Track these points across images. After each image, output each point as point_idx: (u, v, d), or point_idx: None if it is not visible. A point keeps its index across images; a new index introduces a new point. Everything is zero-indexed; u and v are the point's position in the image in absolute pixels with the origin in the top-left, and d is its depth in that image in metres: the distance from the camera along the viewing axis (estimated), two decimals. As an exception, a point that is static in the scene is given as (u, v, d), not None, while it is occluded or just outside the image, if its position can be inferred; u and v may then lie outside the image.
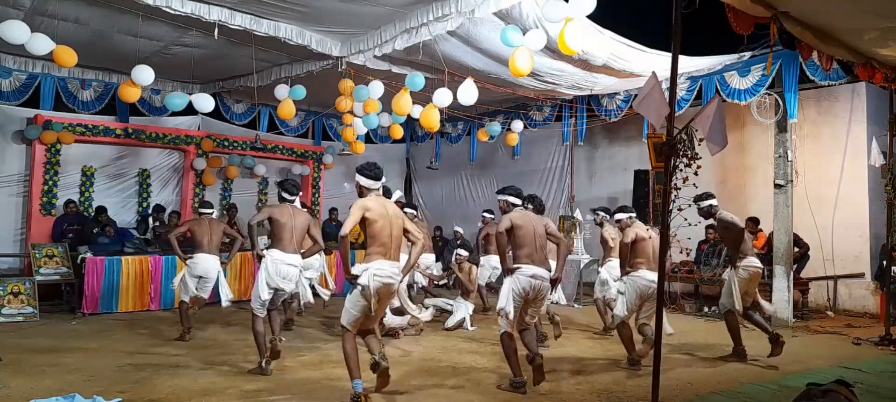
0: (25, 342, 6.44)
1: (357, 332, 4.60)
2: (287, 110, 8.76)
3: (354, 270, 4.46)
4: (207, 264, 6.95)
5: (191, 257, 6.95)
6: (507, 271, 5.08)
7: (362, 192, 4.66)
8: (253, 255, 5.80)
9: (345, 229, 4.43)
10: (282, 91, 8.73)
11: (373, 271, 4.42)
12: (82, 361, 5.69)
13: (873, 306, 9.02)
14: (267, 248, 5.68)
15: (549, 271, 5.19)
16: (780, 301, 8.43)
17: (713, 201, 6.46)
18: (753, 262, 6.33)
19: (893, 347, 6.97)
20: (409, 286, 8.19)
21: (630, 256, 6.10)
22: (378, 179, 4.67)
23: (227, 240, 7.55)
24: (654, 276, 5.84)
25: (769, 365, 6.04)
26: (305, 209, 7.58)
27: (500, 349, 6.63)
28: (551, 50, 7.13)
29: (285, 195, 5.83)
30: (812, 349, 6.97)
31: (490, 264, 8.77)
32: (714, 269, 9.05)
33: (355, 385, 4.47)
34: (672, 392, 5.03)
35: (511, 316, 4.97)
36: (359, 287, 4.43)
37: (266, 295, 5.49)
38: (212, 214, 7.28)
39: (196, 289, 6.97)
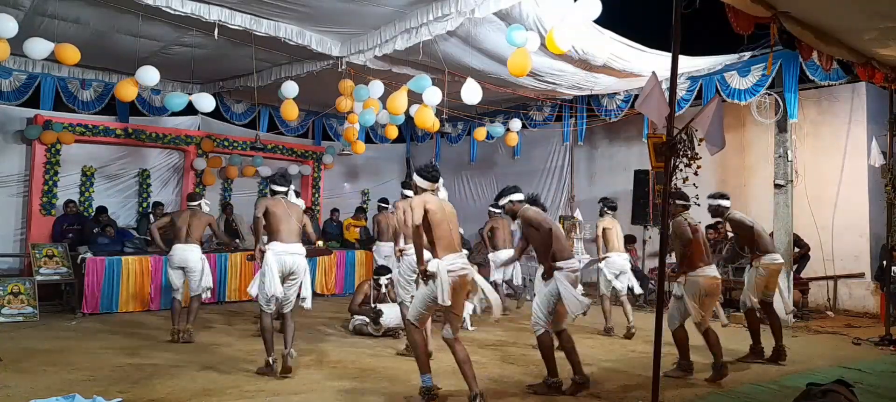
0: (25, 342, 6.43)
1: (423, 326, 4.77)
2: (289, 111, 8.73)
3: (430, 266, 4.54)
4: (185, 254, 6.85)
5: (167, 251, 6.92)
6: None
7: (418, 192, 4.79)
8: (256, 252, 5.57)
9: (417, 219, 4.53)
10: (289, 87, 8.63)
11: (446, 265, 4.51)
12: (82, 361, 5.69)
13: (873, 306, 9.02)
14: (267, 243, 5.53)
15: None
16: (780, 301, 8.41)
17: (722, 202, 6.33)
18: (775, 258, 6.35)
19: (893, 347, 6.96)
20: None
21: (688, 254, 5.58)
22: (435, 180, 4.80)
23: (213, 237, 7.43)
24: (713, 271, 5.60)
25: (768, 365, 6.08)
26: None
27: (497, 348, 6.68)
28: (551, 49, 7.14)
29: (276, 188, 5.76)
30: (812, 349, 6.96)
31: (499, 259, 8.68)
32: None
33: (425, 379, 4.64)
34: (672, 392, 5.03)
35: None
36: (431, 282, 4.51)
37: (273, 290, 5.35)
38: (198, 206, 7.08)
39: (178, 283, 6.91)
